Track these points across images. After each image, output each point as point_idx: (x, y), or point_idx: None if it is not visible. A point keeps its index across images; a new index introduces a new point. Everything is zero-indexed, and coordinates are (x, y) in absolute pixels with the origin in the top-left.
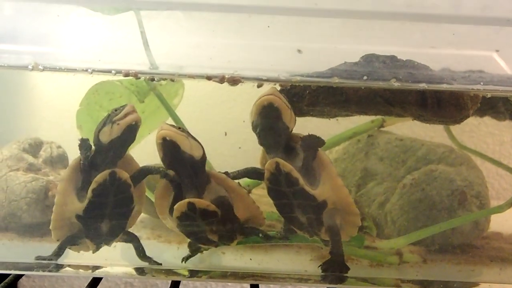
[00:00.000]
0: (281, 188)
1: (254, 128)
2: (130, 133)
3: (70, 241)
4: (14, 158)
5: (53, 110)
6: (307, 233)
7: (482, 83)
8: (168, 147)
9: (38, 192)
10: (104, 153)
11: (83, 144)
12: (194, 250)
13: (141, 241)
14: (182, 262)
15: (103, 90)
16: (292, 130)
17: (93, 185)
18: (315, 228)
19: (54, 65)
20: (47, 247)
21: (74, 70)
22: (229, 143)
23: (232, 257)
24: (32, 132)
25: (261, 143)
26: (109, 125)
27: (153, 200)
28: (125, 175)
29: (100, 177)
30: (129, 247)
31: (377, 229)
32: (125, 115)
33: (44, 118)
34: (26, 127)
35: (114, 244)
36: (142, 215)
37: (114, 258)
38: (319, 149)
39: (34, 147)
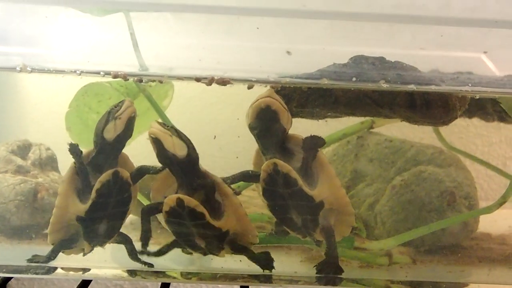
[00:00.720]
0: (278, 189)
1: (251, 129)
2: (130, 126)
3: (65, 245)
4: (2, 160)
5: (42, 112)
6: (300, 234)
7: (470, 85)
8: (154, 144)
9: (27, 194)
10: (109, 151)
11: (73, 149)
12: (169, 245)
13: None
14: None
15: (92, 92)
16: (288, 131)
17: (97, 185)
18: (310, 229)
19: (42, 67)
20: (36, 249)
21: (62, 72)
22: (219, 144)
23: (223, 259)
24: (20, 134)
25: (259, 145)
26: (112, 121)
27: (144, 202)
28: (126, 174)
29: (104, 177)
30: (119, 249)
31: (367, 230)
32: (125, 109)
33: (33, 120)
34: (15, 129)
35: (106, 245)
36: (132, 216)
37: (105, 260)
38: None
39: (23, 149)
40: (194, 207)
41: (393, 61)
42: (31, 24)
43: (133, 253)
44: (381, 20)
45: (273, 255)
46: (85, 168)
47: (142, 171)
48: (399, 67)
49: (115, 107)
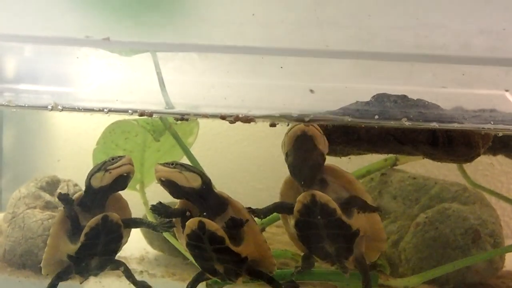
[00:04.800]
0: (314, 219)
1: (288, 159)
2: (120, 183)
3: (61, 277)
4: (31, 196)
5: (70, 148)
6: (330, 261)
7: (492, 122)
8: (167, 185)
9: None
10: (93, 196)
11: (64, 197)
12: (193, 282)
13: (156, 279)
14: None
15: (119, 129)
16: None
17: (86, 230)
18: (343, 257)
19: (72, 105)
20: (63, 285)
21: (91, 110)
22: (243, 181)
23: None
24: (49, 170)
25: (294, 175)
26: (102, 172)
27: (168, 238)
28: (116, 216)
29: (93, 221)
30: None
31: (391, 267)
32: (120, 166)
33: (62, 156)
34: (44, 165)
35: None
36: (157, 253)
37: None
38: (353, 177)
39: (51, 185)
40: (215, 231)
41: (415, 99)
42: (62, 64)
43: (131, 277)
44: (402, 59)
45: None
46: (75, 213)
47: (136, 224)
48: (421, 105)
49: (112, 159)
